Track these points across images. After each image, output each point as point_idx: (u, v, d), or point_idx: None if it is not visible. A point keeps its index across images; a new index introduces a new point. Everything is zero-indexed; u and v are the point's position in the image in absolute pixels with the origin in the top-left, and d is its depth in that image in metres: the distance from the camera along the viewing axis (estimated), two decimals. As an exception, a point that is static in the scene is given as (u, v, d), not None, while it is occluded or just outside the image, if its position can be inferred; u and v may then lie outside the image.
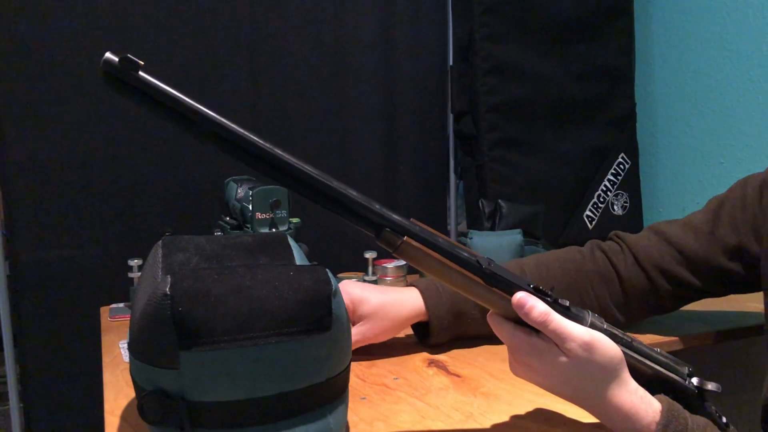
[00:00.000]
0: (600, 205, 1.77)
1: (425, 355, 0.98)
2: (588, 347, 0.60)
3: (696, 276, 0.94)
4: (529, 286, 0.62)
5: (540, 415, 0.77)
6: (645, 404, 0.61)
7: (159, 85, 0.56)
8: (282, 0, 1.46)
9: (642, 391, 0.62)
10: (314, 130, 1.52)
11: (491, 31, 1.61)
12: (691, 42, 1.68)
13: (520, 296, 0.61)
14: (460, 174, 1.72)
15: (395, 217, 0.60)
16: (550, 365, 0.61)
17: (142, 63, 0.55)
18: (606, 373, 0.61)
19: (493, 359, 0.95)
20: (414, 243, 0.60)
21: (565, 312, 0.62)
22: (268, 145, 0.58)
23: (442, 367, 0.93)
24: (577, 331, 0.60)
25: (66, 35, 1.30)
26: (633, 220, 1.82)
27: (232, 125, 0.57)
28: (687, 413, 0.62)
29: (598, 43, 1.74)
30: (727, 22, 1.57)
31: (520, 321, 0.62)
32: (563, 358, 0.60)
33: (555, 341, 0.61)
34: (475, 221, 1.55)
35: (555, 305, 0.61)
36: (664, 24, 1.76)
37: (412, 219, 0.61)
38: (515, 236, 1.26)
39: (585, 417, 0.73)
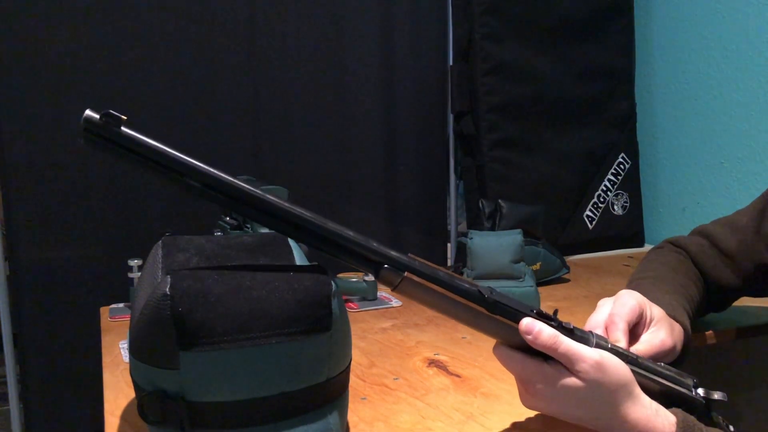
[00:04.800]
0: (600, 205, 1.77)
1: (425, 355, 0.98)
2: (599, 367, 0.60)
3: (740, 276, 0.94)
4: (533, 311, 0.62)
5: (540, 415, 0.77)
6: (661, 418, 0.61)
7: (144, 140, 0.54)
8: (281, 1, 1.46)
9: (656, 405, 0.62)
10: (314, 130, 1.52)
11: (491, 31, 1.60)
12: (691, 42, 1.68)
13: (528, 322, 0.60)
14: (460, 174, 1.72)
15: (394, 253, 0.59)
16: (563, 390, 0.60)
17: (125, 117, 0.54)
18: (619, 392, 0.61)
19: (493, 359, 0.95)
20: (415, 278, 0.59)
21: (569, 334, 0.61)
22: (259, 192, 0.57)
23: (442, 367, 0.93)
24: (586, 352, 0.60)
25: (66, 35, 1.30)
26: (633, 220, 1.82)
27: (222, 175, 0.56)
28: (702, 425, 0.62)
29: (598, 43, 1.74)
30: (727, 22, 1.57)
31: (526, 350, 0.62)
32: (576, 381, 0.60)
33: (565, 364, 0.60)
34: (475, 221, 1.55)
35: (560, 329, 0.61)
36: (664, 24, 1.76)
37: (410, 254, 0.60)
38: (515, 236, 1.26)
39: (585, 417, 0.73)
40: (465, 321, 0.62)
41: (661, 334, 0.77)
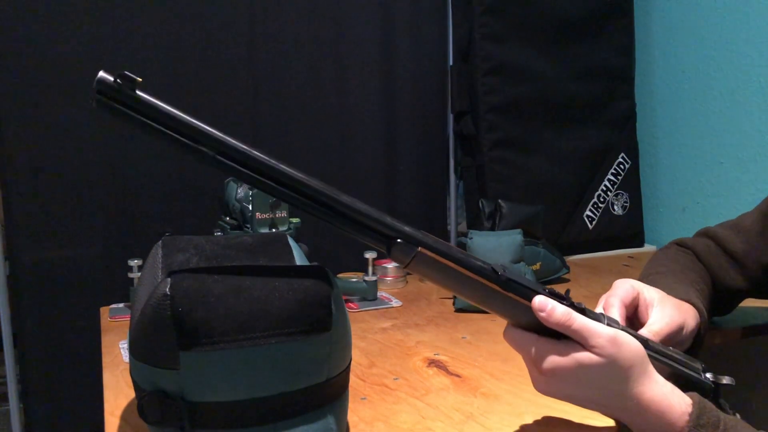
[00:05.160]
0: (600, 205, 1.77)
1: (425, 355, 0.98)
2: (614, 342, 0.59)
3: (746, 278, 0.94)
4: (545, 290, 0.61)
5: (540, 415, 0.77)
6: (677, 397, 0.60)
7: (159, 104, 0.53)
8: (281, 1, 1.46)
9: (670, 385, 0.61)
10: (314, 130, 1.52)
11: (491, 31, 1.60)
12: (691, 41, 1.68)
13: (541, 299, 0.59)
14: (460, 174, 1.72)
15: (408, 228, 0.58)
16: (578, 367, 0.59)
17: (140, 80, 0.52)
18: (634, 368, 0.60)
19: (493, 359, 0.95)
20: (429, 254, 0.58)
21: (582, 313, 0.60)
22: (273, 161, 0.55)
23: (442, 367, 0.93)
24: (601, 328, 0.59)
25: (66, 35, 1.30)
26: (633, 220, 1.82)
27: (236, 142, 0.54)
28: (718, 410, 0.61)
29: (598, 43, 1.74)
30: (727, 22, 1.57)
31: (538, 330, 0.61)
32: (591, 357, 0.59)
33: (579, 341, 0.59)
34: (475, 221, 1.55)
35: (572, 307, 0.60)
36: (664, 24, 1.76)
37: (422, 231, 0.59)
38: (515, 236, 1.26)
39: (585, 418, 0.74)
40: (477, 299, 0.61)
41: (667, 311, 0.77)
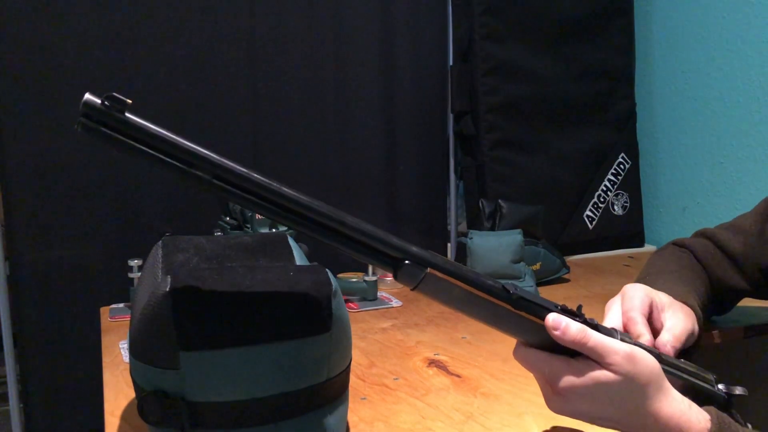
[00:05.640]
0: (600, 205, 1.77)
1: (425, 355, 0.98)
2: (631, 359, 0.57)
3: (745, 279, 0.94)
4: (557, 307, 0.59)
5: (540, 415, 0.77)
6: (695, 412, 0.60)
7: (151, 128, 0.49)
8: (281, 1, 1.46)
9: (688, 401, 0.60)
10: (314, 130, 1.52)
11: (491, 31, 1.60)
12: (691, 42, 1.68)
13: (554, 317, 0.58)
14: (460, 174, 1.72)
15: (415, 249, 0.56)
16: (594, 386, 0.58)
17: (130, 101, 0.48)
18: (650, 385, 0.59)
19: (493, 359, 0.96)
20: (439, 274, 0.56)
21: (595, 329, 0.59)
22: (274, 184, 0.52)
23: (442, 367, 0.93)
24: (617, 345, 0.58)
25: (66, 35, 1.30)
26: (633, 220, 1.82)
27: (236, 166, 0.51)
28: (737, 424, 0.60)
29: (598, 43, 1.74)
30: (728, 22, 1.57)
31: (550, 349, 0.60)
32: (608, 375, 0.57)
33: (595, 359, 0.58)
34: (475, 221, 1.55)
35: (586, 324, 0.59)
36: (664, 24, 1.76)
37: (430, 251, 0.57)
38: (515, 236, 1.26)
39: (585, 417, 0.73)
40: (487, 319, 0.59)
41: (680, 316, 0.76)
